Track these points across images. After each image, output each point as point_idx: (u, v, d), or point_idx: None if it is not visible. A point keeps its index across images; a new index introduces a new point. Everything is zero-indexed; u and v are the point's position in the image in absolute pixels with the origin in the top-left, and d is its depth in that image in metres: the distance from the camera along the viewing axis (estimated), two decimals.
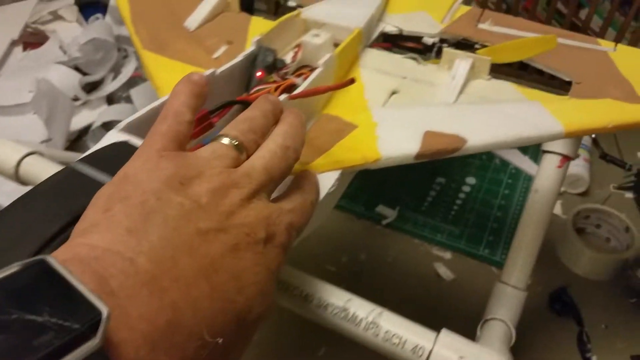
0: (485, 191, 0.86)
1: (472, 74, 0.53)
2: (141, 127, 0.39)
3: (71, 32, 0.98)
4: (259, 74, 0.48)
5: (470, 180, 0.88)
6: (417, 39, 0.60)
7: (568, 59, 0.56)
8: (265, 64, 0.48)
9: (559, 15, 1.57)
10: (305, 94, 0.42)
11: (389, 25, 0.60)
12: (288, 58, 0.52)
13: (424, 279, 0.76)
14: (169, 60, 0.52)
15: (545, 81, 0.81)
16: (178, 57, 0.53)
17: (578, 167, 0.86)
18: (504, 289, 0.58)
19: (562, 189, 0.87)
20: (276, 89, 0.45)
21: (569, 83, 0.54)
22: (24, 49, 0.98)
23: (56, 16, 1.05)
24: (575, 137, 0.59)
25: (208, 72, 0.43)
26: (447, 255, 0.79)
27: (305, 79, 0.47)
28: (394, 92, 0.51)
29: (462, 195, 0.85)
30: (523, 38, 0.53)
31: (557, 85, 0.57)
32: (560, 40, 0.59)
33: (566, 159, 0.60)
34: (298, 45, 0.52)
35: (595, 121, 0.47)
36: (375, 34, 0.59)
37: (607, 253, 0.77)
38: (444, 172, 0.90)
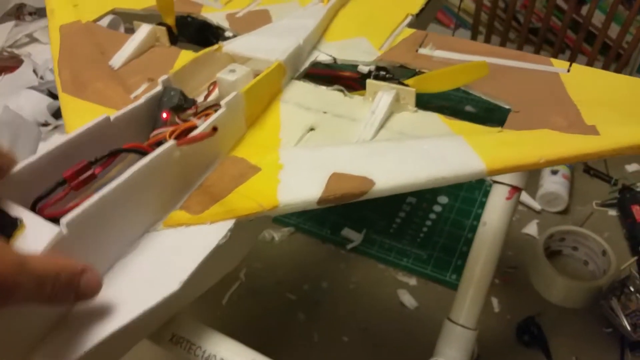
0: (457, 211, 0.82)
1: (397, 107, 0.50)
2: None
3: (45, 55, 0.99)
4: (164, 115, 0.46)
5: (442, 199, 0.85)
6: (352, 67, 0.57)
7: (513, 83, 0.52)
8: (170, 104, 0.47)
9: (559, 11, 1.51)
10: (186, 141, 0.40)
11: (323, 54, 0.57)
12: (202, 98, 0.50)
13: (387, 307, 0.73)
14: (85, 103, 0.51)
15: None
16: (94, 99, 0.51)
17: (556, 184, 0.82)
18: (453, 328, 0.55)
19: (539, 207, 0.83)
20: (171, 133, 0.43)
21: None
22: (0, 73, 0.99)
23: (32, 39, 1.05)
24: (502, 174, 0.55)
25: (99, 118, 0.41)
26: (413, 281, 0.76)
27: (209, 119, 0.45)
28: (311, 129, 0.49)
29: (432, 216, 0.82)
30: (451, 66, 0.50)
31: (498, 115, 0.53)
32: (509, 62, 0.55)
33: (515, 189, 0.57)
34: (213, 84, 0.50)
35: (523, 157, 0.44)
36: (307, 64, 0.57)
37: (580, 280, 0.72)
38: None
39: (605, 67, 1.33)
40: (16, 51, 1.01)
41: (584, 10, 1.45)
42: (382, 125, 0.48)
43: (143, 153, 0.41)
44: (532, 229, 0.81)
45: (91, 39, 0.60)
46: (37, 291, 0.30)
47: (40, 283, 0.30)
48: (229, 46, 0.54)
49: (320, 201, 0.41)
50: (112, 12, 0.67)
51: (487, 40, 1.43)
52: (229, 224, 0.41)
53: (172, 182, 0.42)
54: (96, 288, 0.34)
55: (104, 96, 0.52)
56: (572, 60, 1.36)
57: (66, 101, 0.52)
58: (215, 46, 0.53)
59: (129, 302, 0.35)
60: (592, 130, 0.45)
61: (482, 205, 0.83)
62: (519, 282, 0.75)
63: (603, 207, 0.83)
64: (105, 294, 0.35)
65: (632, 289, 0.67)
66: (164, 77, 0.47)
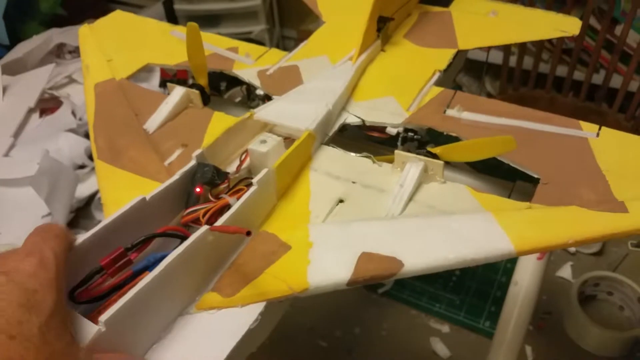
0: None
1: (425, 177, 0.50)
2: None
3: (84, 96, 1.01)
4: (197, 190, 0.47)
5: None
6: (381, 129, 0.57)
7: (541, 150, 0.52)
8: (204, 180, 0.48)
9: (593, 31, 1.47)
10: (220, 229, 0.41)
11: (352, 116, 0.58)
12: (234, 167, 0.51)
13: (419, 356, 0.73)
14: (120, 172, 0.53)
15: None
16: (129, 168, 0.53)
17: None
18: None
19: (574, 249, 0.82)
20: (205, 213, 0.44)
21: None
22: (40, 115, 1.02)
23: (71, 79, 1.09)
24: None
25: (135, 200, 0.43)
26: (445, 328, 0.76)
27: (242, 195, 0.46)
28: (340, 200, 0.49)
29: None
30: (479, 139, 0.50)
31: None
32: (538, 126, 0.55)
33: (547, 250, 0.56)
34: (245, 154, 0.51)
35: (552, 238, 0.43)
36: (336, 126, 0.57)
37: (614, 330, 0.71)
38: None
39: None
40: (56, 93, 1.04)
41: (618, 30, 1.42)
42: (410, 198, 0.48)
43: (177, 236, 0.42)
44: (566, 271, 0.80)
45: (126, 100, 0.62)
46: None
47: None
48: (260, 113, 0.55)
49: (350, 283, 0.42)
50: (146, 66, 0.69)
51: (520, 60, 1.41)
52: (259, 306, 0.41)
53: (205, 265, 0.43)
54: None
55: (139, 164, 0.53)
56: (607, 78, 1.33)
57: (102, 169, 0.54)
58: (247, 114, 0.54)
59: None
60: (621, 207, 0.45)
61: None
62: (554, 329, 0.74)
63: (638, 247, 0.81)
64: None
65: None
66: (198, 151, 0.49)
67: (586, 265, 0.81)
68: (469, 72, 1.73)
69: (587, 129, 0.54)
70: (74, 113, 1.01)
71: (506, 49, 1.43)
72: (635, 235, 0.44)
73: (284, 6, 2.13)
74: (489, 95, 1.72)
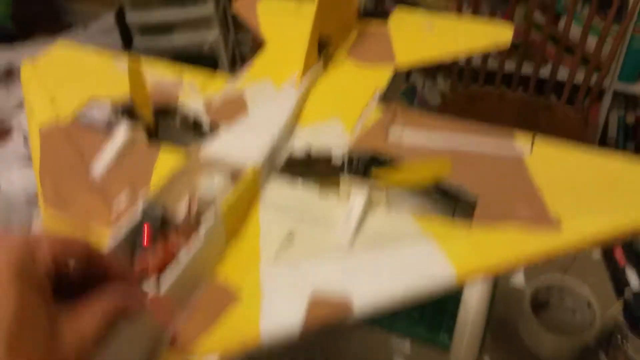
0: None
1: (370, 206, 0.51)
2: None
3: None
4: (144, 236, 0.47)
5: None
6: (327, 161, 0.58)
7: (478, 169, 0.54)
8: (153, 225, 0.48)
9: (537, 26, 1.51)
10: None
11: (298, 144, 0.59)
12: (183, 209, 0.52)
13: None
14: (67, 218, 0.53)
15: None
16: (76, 213, 0.53)
17: None
18: None
19: None
20: (153, 268, 0.45)
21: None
22: None
23: (22, 105, 1.06)
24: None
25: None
26: (406, 346, 0.77)
27: (191, 242, 0.46)
28: (290, 236, 0.50)
29: None
30: (417, 164, 0.52)
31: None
32: (474, 139, 0.57)
33: None
34: (192, 197, 0.52)
35: (492, 262, 0.45)
36: (284, 156, 0.58)
37: (566, 335, 0.73)
38: None
39: (587, 78, 1.34)
40: (5, 121, 1.02)
41: (561, 24, 1.47)
42: (358, 228, 0.49)
43: None
44: (519, 278, 0.82)
45: (71, 141, 0.61)
46: None
47: None
48: (206, 150, 0.55)
49: (302, 334, 0.43)
50: (90, 102, 0.68)
51: (469, 58, 1.43)
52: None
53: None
54: None
55: (87, 210, 0.53)
56: (554, 72, 1.37)
57: (49, 217, 0.53)
58: (193, 152, 0.55)
59: None
60: (556, 225, 0.47)
61: None
62: (510, 338, 0.76)
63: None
64: None
65: (619, 337, 0.69)
66: (144, 198, 0.49)
67: (538, 268, 0.83)
68: (422, 72, 1.76)
69: (521, 141, 0.56)
70: (26, 142, 0.99)
71: None
72: (570, 251, 0.45)
73: None
74: (442, 94, 1.75)
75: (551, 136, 0.88)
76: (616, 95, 1.56)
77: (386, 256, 0.46)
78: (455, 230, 0.48)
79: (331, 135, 0.59)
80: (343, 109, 0.62)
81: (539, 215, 0.48)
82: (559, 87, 1.42)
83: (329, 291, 0.44)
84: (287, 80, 0.65)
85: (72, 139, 0.62)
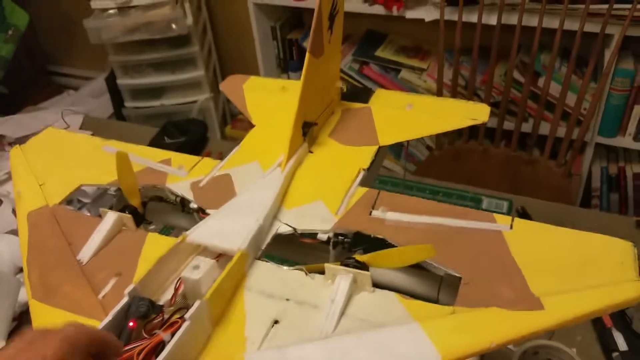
0: None
1: (355, 288, 0.52)
2: None
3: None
4: (130, 324, 0.48)
5: None
6: (312, 235, 0.59)
7: (461, 248, 0.55)
8: (138, 314, 0.48)
9: (518, 84, 1.56)
10: None
11: (283, 225, 0.60)
12: (171, 293, 0.52)
13: None
14: (54, 310, 0.53)
15: None
16: (63, 305, 0.53)
17: None
18: None
19: None
20: (139, 353, 0.45)
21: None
22: None
23: (10, 176, 1.07)
24: None
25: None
26: None
27: (176, 330, 0.46)
28: (275, 321, 0.50)
29: None
30: (402, 248, 0.53)
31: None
32: (455, 222, 0.58)
33: None
34: (179, 281, 0.52)
35: (476, 344, 0.46)
36: (269, 238, 0.59)
37: None
38: None
39: (568, 133, 1.38)
40: None
41: (541, 81, 1.51)
42: (342, 312, 0.50)
43: None
44: None
45: (59, 228, 0.62)
46: None
47: None
48: (192, 235, 0.56)
49: None
50: (78, 190, 0.69)
51: None
52: None
53: None
54: None
55: (73, 301, 0.53)
56: (535, 127, 1.40)
57: (36, 309, 0.54)
58: (180, 238, 0.56)
59: None
60: (537, 304, 0.48)
61: None
62: None
63: None
64: None
65: None
66: (130, 287, 0.49)
67: None
68: None
69: (501, 221, 0.58)
70: (14, 212, 1.00)
71: None
72: (552, 329, 0.46)
73: (227, 73, 2.17)
74: (429, 148, 1.78)
75: (535, 190, 0.90)
76: (598, 147, 1.59)
77: (370, 340, 0.47)
78: (439, 312, 0.49)
79: (316, 217, 0.61)
80: (327, 191, 0.64)
81: (521, 295, 0.49)
82: (541, 141, 1.45)
83: None
84: (273, 162, 0.67)
85: (60, 225, 0.62)
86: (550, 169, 1.43)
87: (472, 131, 1.49)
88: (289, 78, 2.04)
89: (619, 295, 0.47)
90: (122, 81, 2.14)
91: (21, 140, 1.18)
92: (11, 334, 0.81)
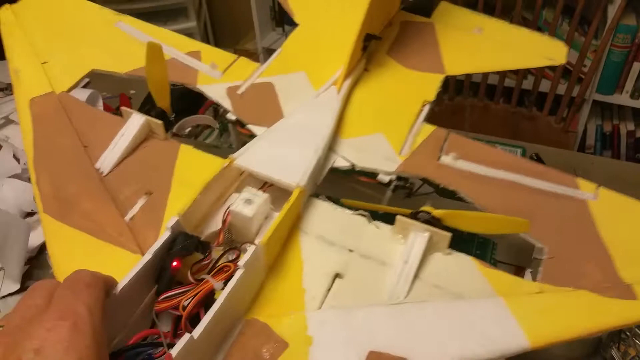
0: None
1: (430, 247, 0.45)
2: None
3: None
4: (174, 263, 0.40)
5: None
6: (371, 174, 0.52)
7: (541, 214, 0.49)
8: (184, 253, 0.41)
9: None
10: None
11: (340, 158, 0.52)
12: (215, 226, 0.44)
13: None
14: (72, 231, 0.44)
15: None
16: (83, 226, 0.44)
17: None
18: None
19: None
20: (187, 301, 0.38)
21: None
22: None
23: (7, 120, 0.93)
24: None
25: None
26: None
27: (228, 277, 0.39)
28: (337, 276, 0.44)
29: None
30: (495, 216, 0.46)
31: None
32: (534, 182, 0.51)
33: None
34: (226, 214, 0.44)
35: (565, 331, 0.41)
36: (324, 172, 0.51)
37: None
38: None
39: (569, 91, 1.34)
40: None
41: None
42: (416, 275, 0.44)
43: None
44: None
45: (71, 125, 0.51)
46: None
47: None
48: (240, 160, 0.47)
49: None
50: (90, 74, 0.58)
51: None
52: None
53: None
54: None
55: (95, 222, 0.45)
56: (536, 84, 1.34)
57: (50, 226, 0.45)
58: (226, 161, 0.47)
59: None
60: (629, 293, 0.43)
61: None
62: None
63: None
64: None
65: (628, 333, 0.67)
66: (174, 220, 0.41)
67: None
68: None
69: (585, 188, 0.51)
70: (15, 157, 0.87)
71: None
72: None
73: (219, 26, 2.06)
74: None
75: (534, 144, 0.84)
76: (594, 104, 1.57)
77: (449, 312, 0.41)
78: (523, 288, 0.44)
79: (378, 154, 0.52)
80: (389, 124, 0.55)
81: (609, 277, 0.45)
82: (541, 98, 1.40)
83: (387, 347, 0.39)
84: (324, 77, 0.57)
85: (72, 121, 0.52)
86: (550, 124, 1.40)
87: (472, 87, 1.41)
88: (284, 32, 1.90)
89: None
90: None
91: None
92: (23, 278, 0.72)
